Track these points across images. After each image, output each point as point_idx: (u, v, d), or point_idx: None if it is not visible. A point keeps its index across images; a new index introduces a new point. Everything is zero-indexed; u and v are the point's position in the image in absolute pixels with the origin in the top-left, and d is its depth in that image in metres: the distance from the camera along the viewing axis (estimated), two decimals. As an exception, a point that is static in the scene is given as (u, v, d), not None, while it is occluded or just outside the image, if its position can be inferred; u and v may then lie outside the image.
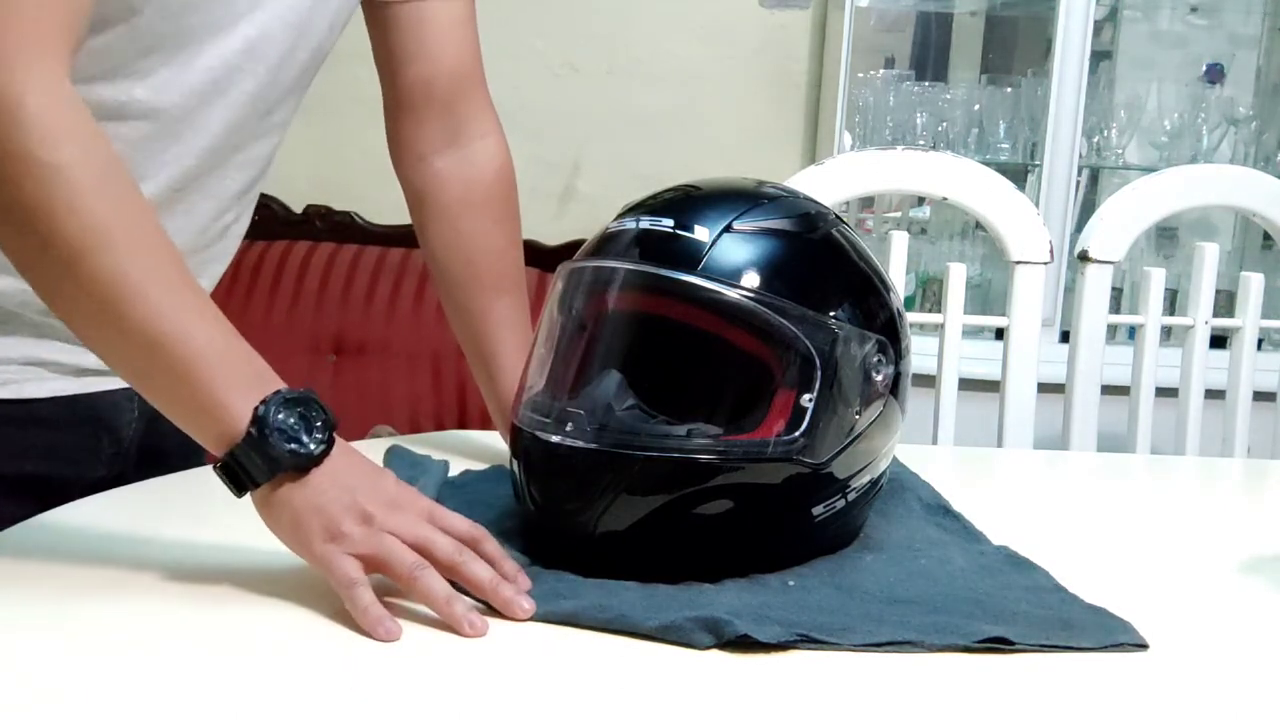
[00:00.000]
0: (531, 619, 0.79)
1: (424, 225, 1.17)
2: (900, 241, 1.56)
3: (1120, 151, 2.65)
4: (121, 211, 0.80)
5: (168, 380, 0.80)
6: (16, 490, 0.98)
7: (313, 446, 0.80)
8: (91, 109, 0.92)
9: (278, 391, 0.80)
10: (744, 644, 0.76)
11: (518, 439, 0.90)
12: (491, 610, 0.79)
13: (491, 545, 0.83)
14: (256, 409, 0.79)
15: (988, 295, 2.65)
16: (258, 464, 0.79)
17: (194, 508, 1.01)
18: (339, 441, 0.82)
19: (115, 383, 1.06)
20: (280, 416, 0.79)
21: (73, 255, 0.78)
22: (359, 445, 1.18)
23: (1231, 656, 0.82)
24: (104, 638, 0.75)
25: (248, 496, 0.81)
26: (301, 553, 0.80)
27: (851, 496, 0.90)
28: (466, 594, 0.79)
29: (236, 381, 0.80)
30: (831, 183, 1.52)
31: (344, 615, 0.77)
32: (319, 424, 0.80)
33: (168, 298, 0.79)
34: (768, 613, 0.79)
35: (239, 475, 0.80)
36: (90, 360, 1.04)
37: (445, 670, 0.73)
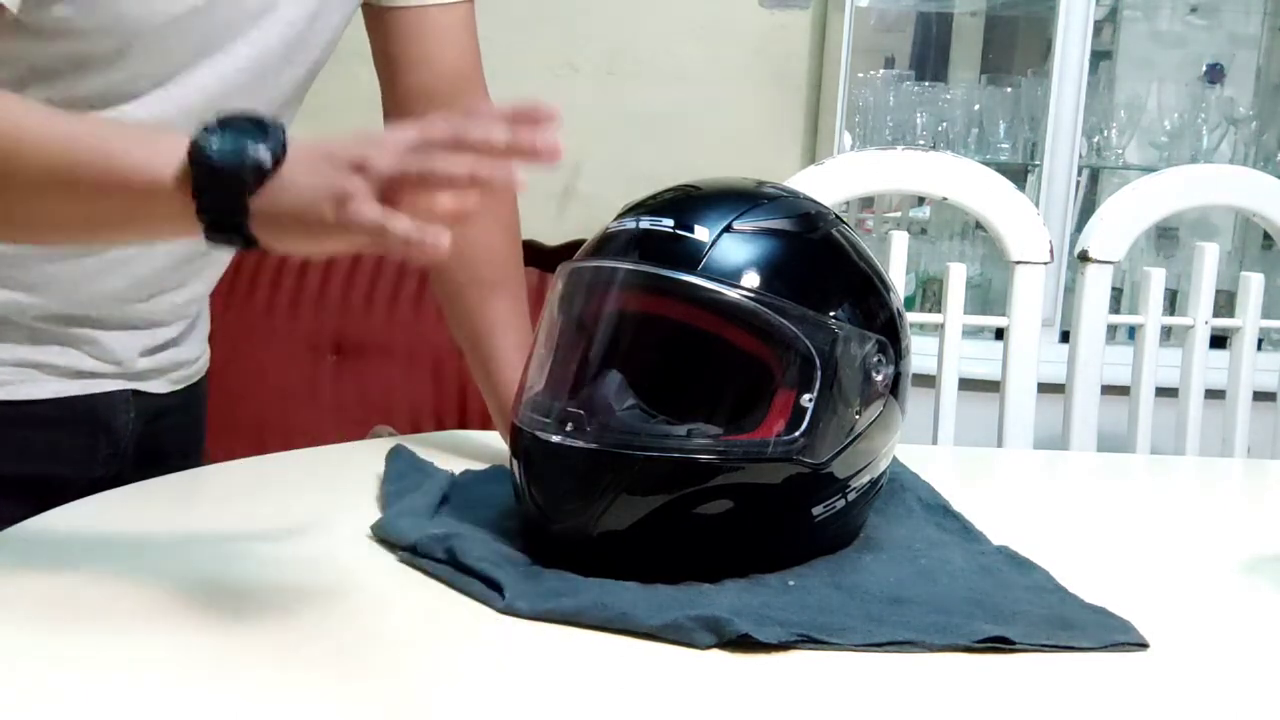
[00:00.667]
0: (532, 618, 0.79)
1: (423, 226, 1.17)
2: (900, 241, 1.56)
3: (1120, 151, 2.65)
4: None
5: (108, 200, 0.76)
6: (14, 491, 0.98)
7: (264, 148, 0.72)
8: None
9: (203, 126, 0.74)
10: (744, 644, 0.76)
11: (518, 439, 0.90)
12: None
13: (484, 119, 0.73)
14: (190, 151, 0.73)
15: (988, 295, 2.65)
16: (225, 197, 0.72)
17: (191, 508, 1.01)
18: (290, 138, 0.74)
19: (112, 384, 1.06)
20: (215, 143, 0.73)
21: None
22: (359, 445, 1.18)
23: (1231, 656, 0.82)
24: (100, 638, 0.75)
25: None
26: (325, 243, 0.74)
27: (851, 496, 0.90)
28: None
29: (156, 148, 0.74)
30: (831, 183, 1.52)
31: (341, 614, 0.77)
32: (255, 125, 0.73)
33: (61, 135, 0.76)
34: (768, 613, 0.79)
35: (224, 225, 0.73)
36: (87, 363, 1.04)
37: (446, 669, 0.73)
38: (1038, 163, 2.54)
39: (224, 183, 0.73)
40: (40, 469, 1.03)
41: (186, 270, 1.08)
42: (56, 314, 1.00)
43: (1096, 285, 1.60)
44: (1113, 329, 1.75)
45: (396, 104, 1.15)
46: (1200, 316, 1.64)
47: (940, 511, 1.03)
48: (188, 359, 1.13)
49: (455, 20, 1.12)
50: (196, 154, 0.73)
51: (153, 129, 0.78)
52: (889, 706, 0.72)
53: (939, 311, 1.58)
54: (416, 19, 1.11)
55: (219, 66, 0.95)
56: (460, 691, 0.71)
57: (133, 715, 0.67)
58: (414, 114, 1.15)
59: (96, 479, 1.05)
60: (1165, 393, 1.63)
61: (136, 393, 1.08)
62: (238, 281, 2.26)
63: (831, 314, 0.87)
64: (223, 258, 1.13)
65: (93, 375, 1.04)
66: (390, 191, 0.71)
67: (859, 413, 0.88)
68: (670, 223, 0.87)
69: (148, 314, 1.06)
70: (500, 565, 0.84)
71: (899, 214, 2.88)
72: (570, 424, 0.86)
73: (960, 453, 1.51)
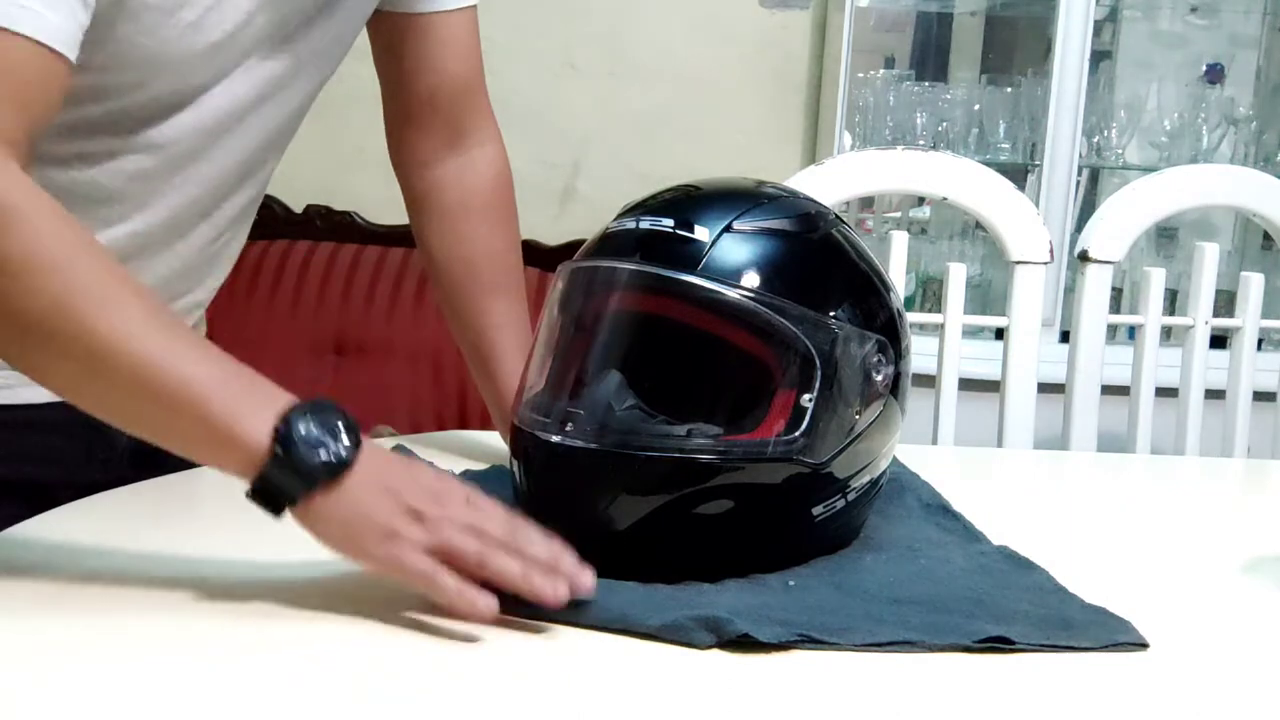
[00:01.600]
0: (532, 618, 0.79)
1: (423, 228, 1.17)
2: (900, 241, 1.56)
3: (1120, 151, 2.64)
4: (88, 272, 0.77)
5: (178, 424, 0.78)
6: (11, 494, 0.98)
7: (343, 453, 0.77)
8: (93, 151, 0.93)
9: (295, 405, 0.78)
10: (744, 644, 0.76)
11: (518, 439, 0.90)
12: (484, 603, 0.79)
13: (532, 528, 0.80)
14: (277, 427, 0.76)
15: (988, 295, 2.65)
16: (291, 481, 0.77)
17: (190, 508, 1.01)
18: (366, 441, 0.80)
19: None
20: (302, 429, 0.77)
21: (47, 329, 0.76)
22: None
23: (1231, 656, 0.82)
24: (98, 638, 0.75)
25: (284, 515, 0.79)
26: (360, 560, 0.78)
27: (851, 496, 0.90)
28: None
29: (248, 406, 0.78)
30: (831, 183, 1.52)
31: (341, 614, 0.77)
32: (342, 427, 0.78)
33: (154, 344, 0.77)
34: (768, 613, 0.79)
35: (273, 496, 0.77)
36: None
37: (445, 670, 0.73)
38: (1038, 163, 2.54)
39: (296, 469, 0.77)
40: (37, 473, 1.03)
41: (192, 278, 1.08)
42: None
43: (1096, 285, 1.60)
44: (1113, 329, 1.75)
45: (398, 107, 1.15)
46: (1200, 316, 1.64)
47: (940, 511, 1.03)
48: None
49: (459, 26, 1.13)
50: (284, 432, 0.76)
51: (249, 377, 0.79)
52: (889, 706, 0.72)
53: (939, 311, 1.58)
54: (422, 25, 1.11)
55: (236, 89, 0.96)
56: (460, 691, 0.71)
57: (131, 714, 0.67)
58: (417, 120, 1.16)
59: (93, 482, 1.05)
60: (1165, 393, 1.63)
61: None
62: (238, 281, 2.25)
63: (831, 314, 0.87)
64: (226, 266, 1.13)
65: None
66: (439, 554, 0.77)
67: (859, 413, 0.88)
68: (670, 223, 0.87)
69: None
70: (500, 565, 0.84)
71: (899, 214, 2.88)
72: (570, 424, 0.86)
73: (960, 453, 1.51)
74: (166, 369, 0.77)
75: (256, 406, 0.78)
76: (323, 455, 0.77)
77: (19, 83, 0.79)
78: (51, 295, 0.76)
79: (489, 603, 0.75)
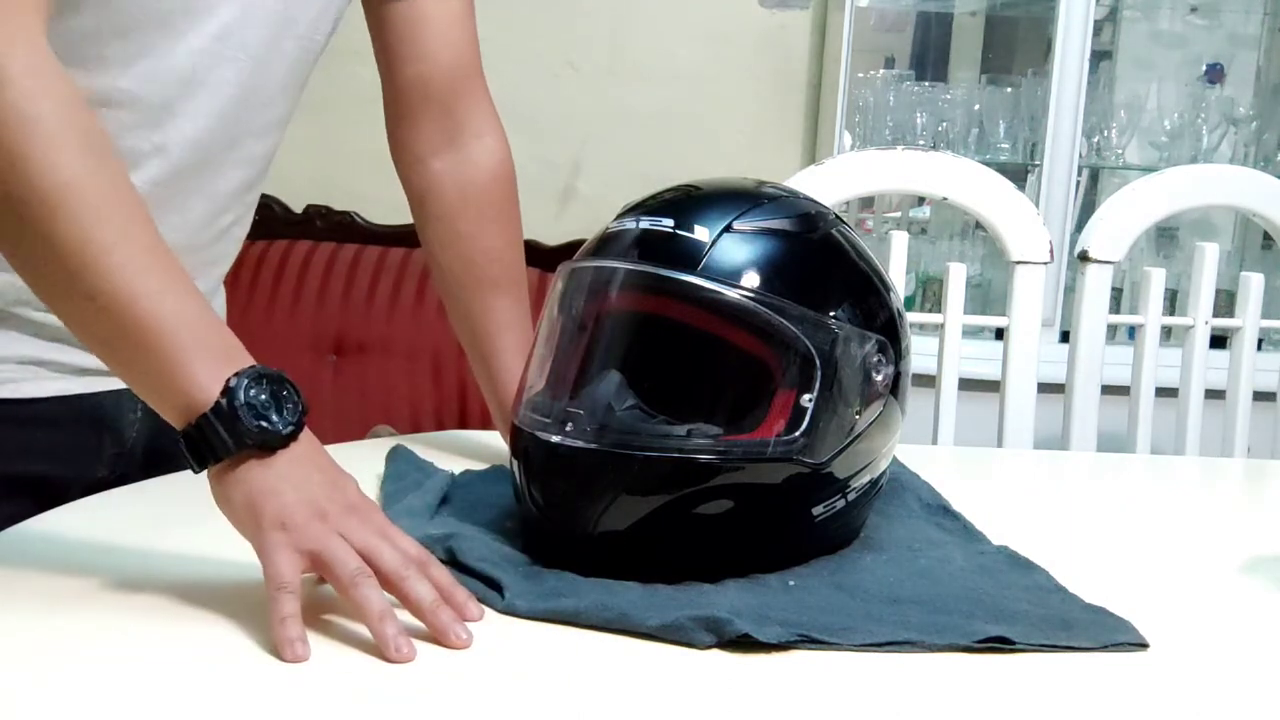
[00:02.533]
0: (531, 618, 0.79)
1: (424, 225, 1.17)
2: (900, 241, 1.56)
3: (1120, 151, 2.65)
4: (97, 173, 0.78)
5: (134, 348, 0.78)
6: (16, 490, 0.98)
7: (282, 427, 0.77)
8: None
9: (251, 366, 0.78)
10: (745, 644, 0.76)
11: (518, 439, 0.90)
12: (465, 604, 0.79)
13: (439, 570, 0.80)
14: (228, 381, 0.77)
15: (988, 295, 2.65)
16: (222, 438, 0.76)
17: (192, 507, 1.01)
18: (307, 430, 0.80)
19: (118, 383, 1.06)
20: (252, 392, 0.77)
21: (43, 212, 0.76)
22: (359, 445, 1.18)
23: (1231, 656, 0.82)
24: (100, 636, 0.75)
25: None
26: (247, 535, 0.78)
27: (851, 496, 0.90)
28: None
29: (206, 352, 0.78)
30: (831, 183, 1.52)
31: (340, 614, 0.77)
32: (289, 405, 0.78)
33: (138, 264, 0.77)
34: (768, 613, 0.79)
35: (201, 448, 0.77)
36: (92, 360, 1.03)
37: (445, 669, 0.73)
38: (1038, 163, 2.54)
39: (232, 428, 0.77)
40: (44, 469, 1.02)
41: (190, 262, 1.07)
42: None
43: (1096, 285, 1.60)
44: (1113, 329, 1.75)
45: (395, 100, 1.15)
46: (1200, 316, 1.64)
47: (940, 511, 1.03)
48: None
49: (452, 14, 1.12)
50: (234, 388, 0.77)
51: (222, 329, 0.81)
52: (889, 706, 0.72)
53: (939, 311, 1.58)
54: (412, 11, 1.11)
55: (201, 31, 0.95)
56: (460, 691, 0.71)
57: (131, 714, 0.67)
58: (412, 111, 1.15)
59: (100, 479, 1.05)
60: (1165, 393, 1.63)
61: None
62: (238, 281, 2.26)
63: (831, 314, 0.87)
64: (225, 257, 1.12)
65: (97, 373, 1.04)
66: (316, 560, 0.76)
67: (859, 413, 0.88)
68: (670, 223, 0.87)
69: None
70: (500, 565, 0.84)
71: (899, 214, 2.88)
72: (570, 424, 0.86)
73: (960, 453, 1.51)
74: (144, 294, 0.77)
75: (219, 355, 0.78)
76: (262, 424, 0.77)
77: None
78: (61, 188, 0.76)
79: (299, 652, 0.72)
